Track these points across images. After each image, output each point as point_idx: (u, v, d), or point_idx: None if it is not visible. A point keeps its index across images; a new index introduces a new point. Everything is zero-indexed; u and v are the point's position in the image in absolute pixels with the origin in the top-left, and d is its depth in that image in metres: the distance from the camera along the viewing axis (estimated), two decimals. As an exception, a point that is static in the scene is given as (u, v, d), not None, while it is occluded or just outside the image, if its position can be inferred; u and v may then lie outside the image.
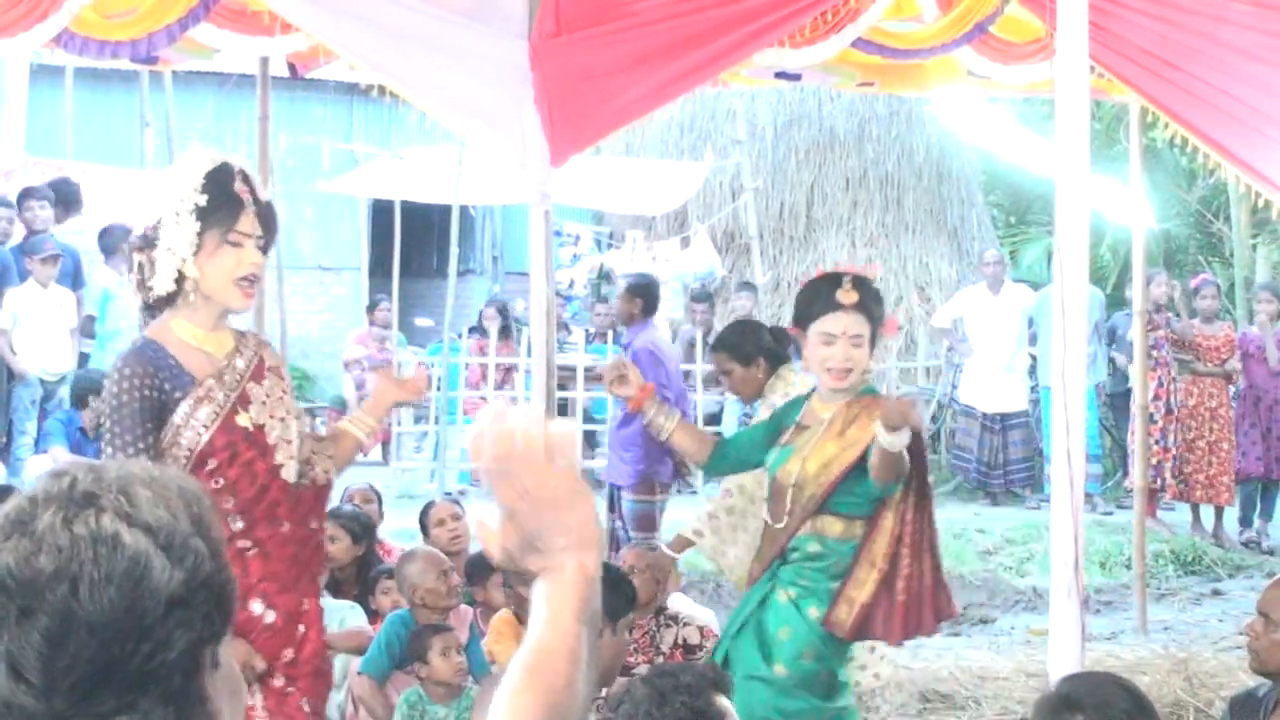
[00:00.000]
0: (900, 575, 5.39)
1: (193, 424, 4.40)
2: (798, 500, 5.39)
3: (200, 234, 4.40)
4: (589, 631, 1.96)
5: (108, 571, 1.62)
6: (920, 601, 5.44)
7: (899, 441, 5.10)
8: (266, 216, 4.63)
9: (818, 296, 5.49)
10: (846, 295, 5.39)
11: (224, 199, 4.45)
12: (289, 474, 4.51)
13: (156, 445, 4.36)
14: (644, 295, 10.18)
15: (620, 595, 4.63)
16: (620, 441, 9.91)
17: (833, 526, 5.40)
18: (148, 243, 4.45)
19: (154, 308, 4.55)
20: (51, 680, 1.61)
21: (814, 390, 5.66)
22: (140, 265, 4.47)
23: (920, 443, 5.50)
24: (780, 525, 5.44)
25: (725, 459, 5.98)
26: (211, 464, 4.40)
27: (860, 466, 5.32)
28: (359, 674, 6.63)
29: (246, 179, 4.55)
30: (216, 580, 1.71)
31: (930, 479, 5.64)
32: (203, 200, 4.40)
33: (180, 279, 4.44)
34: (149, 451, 4.32)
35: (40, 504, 1.67)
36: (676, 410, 5.89)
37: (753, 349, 7.28)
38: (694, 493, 15.47)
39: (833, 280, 5.51)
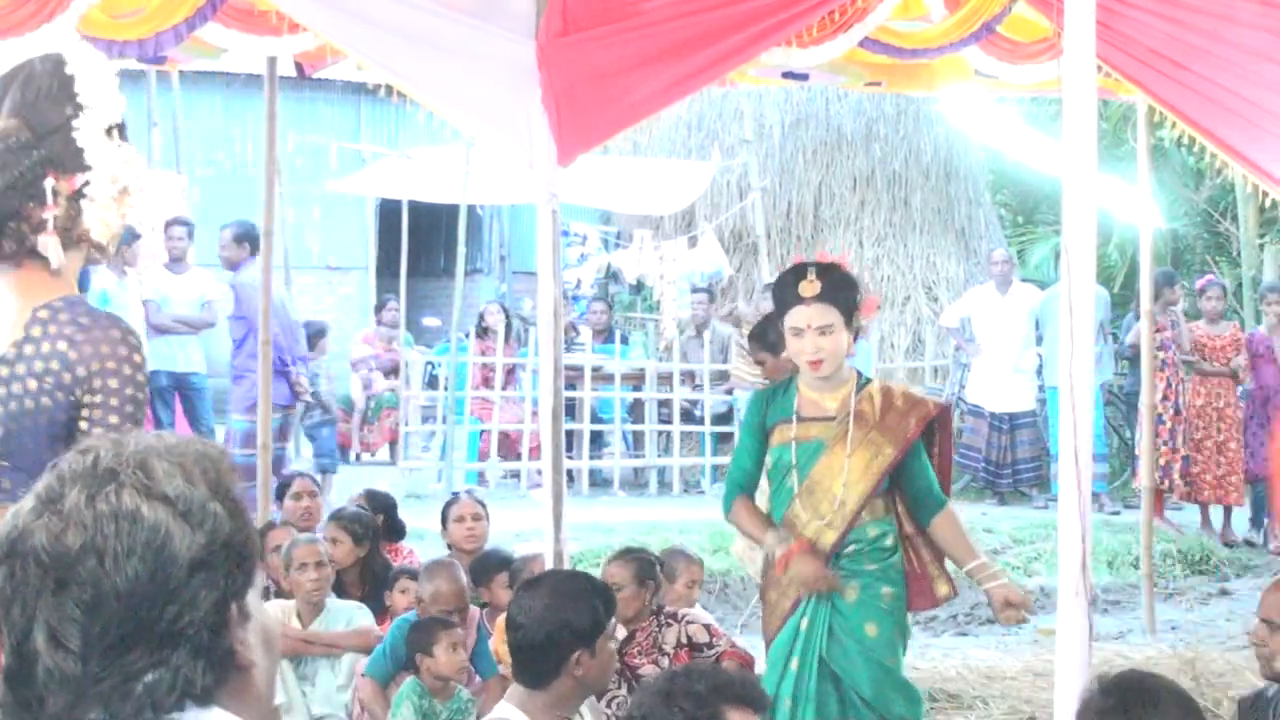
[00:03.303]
0: (914, 547, 5.71)
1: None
2: (850, 496, 5.47)
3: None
4: None
5: (129, 544, 1.78)
6: (924, 574, 5.75)
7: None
8: None
9: (785, 290, 5.56)
10: (808, 288, 5.44)
11: (120, 108, 3.42)
12: None
13: None
14: (249, 239, 11.47)
15: (602, 605, 4.58)
16: (236, 368, 11.00)
17: (877, 506, 5.55)
18: (63, 164, 3.30)
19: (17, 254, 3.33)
20: (88, 645, 1.78)
21: (793, 378, 5.69)
22: (55, 194, 3.29)
23: (950, 439, 5.82)
24: (824, 522, 5.48)
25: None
26: None
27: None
28: (362, 676, 6.64)
29: None
30: (236, 539, 1.87)
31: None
32: (118, 113, 3.37)
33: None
34: None
35: (67, 481, 1.83)
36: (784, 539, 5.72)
37: (776, 338, 7.36)
38: (701, 493, 15.50)
39: (798, 272, 5.57)
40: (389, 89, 7.44)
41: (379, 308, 18.11)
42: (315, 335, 14.85)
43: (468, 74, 7.12)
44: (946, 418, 5.78)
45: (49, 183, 3.26)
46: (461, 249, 15.76)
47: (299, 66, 8.68)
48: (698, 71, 7.26)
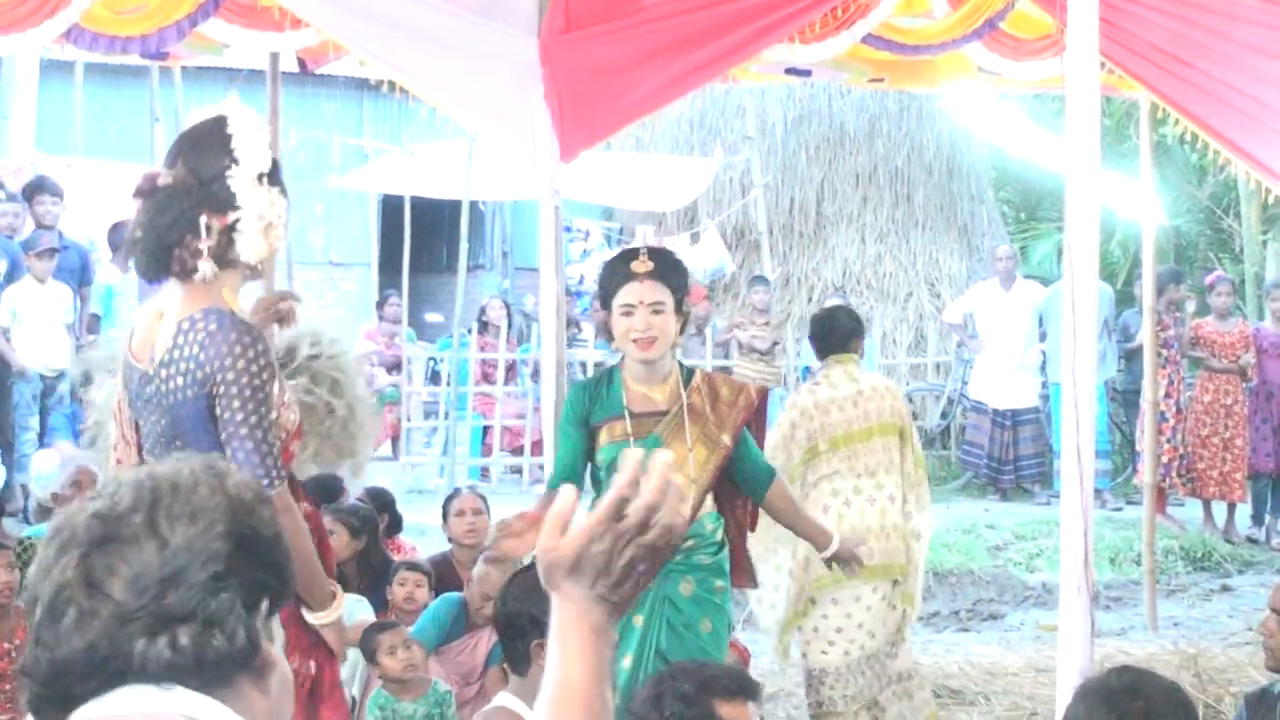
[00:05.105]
0: (732, 522, 5.69)
1: (288, 401, 4.29)
2: (690, 494, 5.34)
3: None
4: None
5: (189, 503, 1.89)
6: (744, 549, 5.81)
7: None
8: None
9: (614, 272, 5.48)
10: (640, 264, 5.37)
11: (277, 162, 4.34)
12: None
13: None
14: None
15: None
16: None
17: (707, 501, 5.50)
18: (218, 205, 4.17)
19: (159, 269, 4.23)
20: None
21: (613, 371, 5.59)
22: (209, 228, 4.15)
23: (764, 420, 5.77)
24: None
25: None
26: (295, 446, 4.42)
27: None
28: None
29: None
30: (268, 548, 1.94)
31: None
32: (268, 163, 4.25)
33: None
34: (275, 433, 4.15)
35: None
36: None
37: (812, 336, 7.70)
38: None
39: (628, 255, 5.52)
40: (392, 85, 7.45)
41: (381, 303, 18.09)
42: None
43: (471, 70, 7.13)
44: (764, 401, 5.74)
45: (204, 219, 4.13)
46: (464, 245, 15.76)
47: (301, 62, 8.68)
48: (700, 68, 7.27)
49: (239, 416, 4.08)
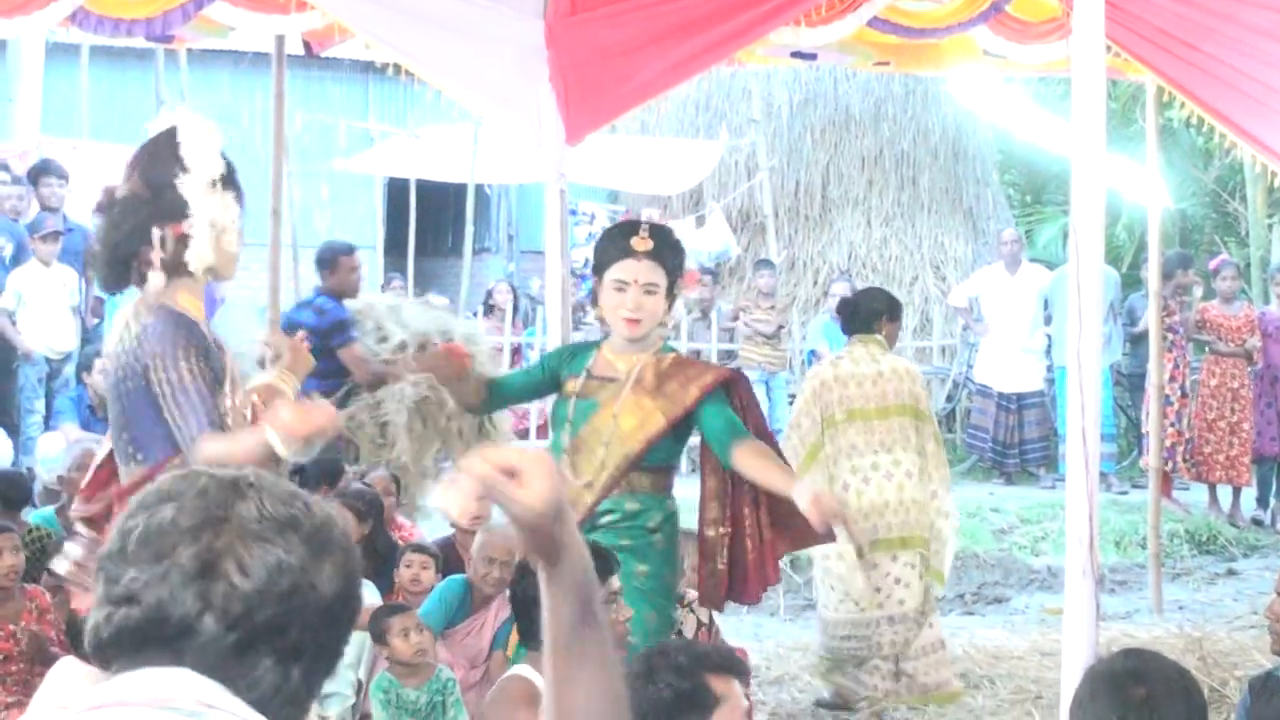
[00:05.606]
0: (746, 534, 5.54)
1: (237, 405, 4.41)
2: (610, 459, 5.34)
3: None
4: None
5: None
6: (763, 556, 5.58)
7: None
8: None
9: (613, 244, 5.47)
10: (640, 243, 5.35)
11: (231, 165, 4.49)
12: None
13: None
14: None
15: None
16: None
17: (643, 481, 5.41)
18: (171, 214, 4.34)
19: (119, 280, 4.49)
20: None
21: (602, 340, 5.62)
22: (162, 240, 4.34)
23: (755, 408, 5.64)
24: (584, 482, 5.34)
25: (500, 400, 6.05)
26: None
27: (676, 425, 5.38)
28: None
29: None
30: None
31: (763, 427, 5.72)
32: (222, 169, 4.41)
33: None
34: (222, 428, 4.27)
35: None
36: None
37: (840, 315, 7.90)
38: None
39: (629, 228, 5.51)
40: (397, 68, 7.44)
41: (385, 286, 18.10)
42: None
43: (476, 53, 7.13)
44: (742, 387, 5.57)
45: (155, 231, 4.31)
46: (469, 228, 15.78)
47: (307, 45, 8.67)
48: (706, 50, 7.27)
49: (179, 382, 4.23)
